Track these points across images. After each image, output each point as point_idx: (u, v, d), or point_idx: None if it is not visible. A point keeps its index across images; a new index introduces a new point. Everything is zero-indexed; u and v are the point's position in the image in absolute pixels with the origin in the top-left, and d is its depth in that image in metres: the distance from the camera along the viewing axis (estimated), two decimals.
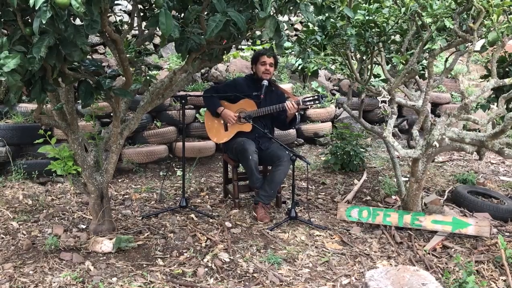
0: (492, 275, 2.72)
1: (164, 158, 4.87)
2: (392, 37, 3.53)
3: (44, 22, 1.75)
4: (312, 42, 3.32)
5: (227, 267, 2.74)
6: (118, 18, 2.98)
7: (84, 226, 3.24)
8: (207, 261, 2.79)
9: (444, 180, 4.60)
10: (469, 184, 4.37)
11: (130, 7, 2.75)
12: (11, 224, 3.25)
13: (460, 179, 4.53)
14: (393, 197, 3.99)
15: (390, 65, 3.90)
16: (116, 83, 3.07)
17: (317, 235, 3.24)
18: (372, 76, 3.79)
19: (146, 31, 2.79)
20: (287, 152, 3.47)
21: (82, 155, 2.96)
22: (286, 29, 2.59)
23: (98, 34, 2.38)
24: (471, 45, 2.91)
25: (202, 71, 5.53)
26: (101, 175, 3.02)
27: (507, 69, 3.42)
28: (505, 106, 3.06)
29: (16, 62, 1.91)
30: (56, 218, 3.41)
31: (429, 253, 3.00)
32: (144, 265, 2.72)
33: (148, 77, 3.12)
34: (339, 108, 6.18)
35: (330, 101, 6.14)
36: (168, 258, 2.83)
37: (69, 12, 1.89)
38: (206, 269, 2.69)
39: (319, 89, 6.12)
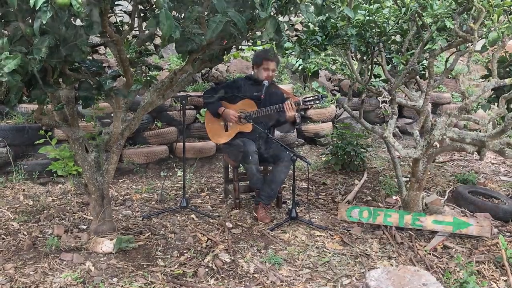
0: (493, 275, 2.71)
1: (165, 159, 4.87)
2: (393, 37, 3.53)
3: (44, 22, 1.75)
4: (312, 42, 3.32)
5: (228, 268, 2.74)
6: (118, 19, 2.98)
7: (84, 227, 3.24)
8: (208, 261, 2.79)
9: (445, 180, 4.60)
10: (469, 184, 4.37)
11: (130, 7, 2.74)
12: (12, 225, 3.25)
13: (460, 179, 4.52)
14: (394, 197, 3.99)
15: (390, 65, 3.90)
16: (116, 84, 3.07)
17: (317, 235, 3.24)
18: (372, 76, 3.79)
19: (147, 32, 2.79)
20: (287, 152, 3.47)
21: (82, 156, 2.96)
22: (287, 30, 2.59)
23: (99, 35, 2.38)
24: (471, 45, 2.91)
25: (203, 71, 5.54)
26: (102, 176, 3.02)
27: (507, 69, 3.42)
28: (505, 106, 3.05)
29: (17, 63, 1.91)
30: (57, 218, 3.42)
31: (429, 253, 2.99)
32: (145, 266, 2.72)
33: (148, 78, 3.12)
34: (339, 108, 6.18)
35: (331, 101, 6.14)
36: (168, 258, 2.83)
37: (69, 12, 1.89)
38: (207, 270, 2.69)
39: (320, 89, 6.12)
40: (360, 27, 3.24)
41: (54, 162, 3.61)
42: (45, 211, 3.54)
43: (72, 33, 1.98)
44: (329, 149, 5.00)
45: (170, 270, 2.68)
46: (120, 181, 4.47)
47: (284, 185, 4.27)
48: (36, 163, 4.22)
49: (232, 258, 2.85)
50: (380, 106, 6.08)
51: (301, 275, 2.69)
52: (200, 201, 3.96)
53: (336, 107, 6.14)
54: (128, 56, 2.68)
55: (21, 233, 3.12)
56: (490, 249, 3.02)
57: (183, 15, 2.46)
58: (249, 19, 2.46)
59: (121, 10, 5.73)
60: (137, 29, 2.75)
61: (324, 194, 4.20)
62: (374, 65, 3.66)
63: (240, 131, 3.67)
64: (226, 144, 3.76)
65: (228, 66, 5.87)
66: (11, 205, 3.66)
